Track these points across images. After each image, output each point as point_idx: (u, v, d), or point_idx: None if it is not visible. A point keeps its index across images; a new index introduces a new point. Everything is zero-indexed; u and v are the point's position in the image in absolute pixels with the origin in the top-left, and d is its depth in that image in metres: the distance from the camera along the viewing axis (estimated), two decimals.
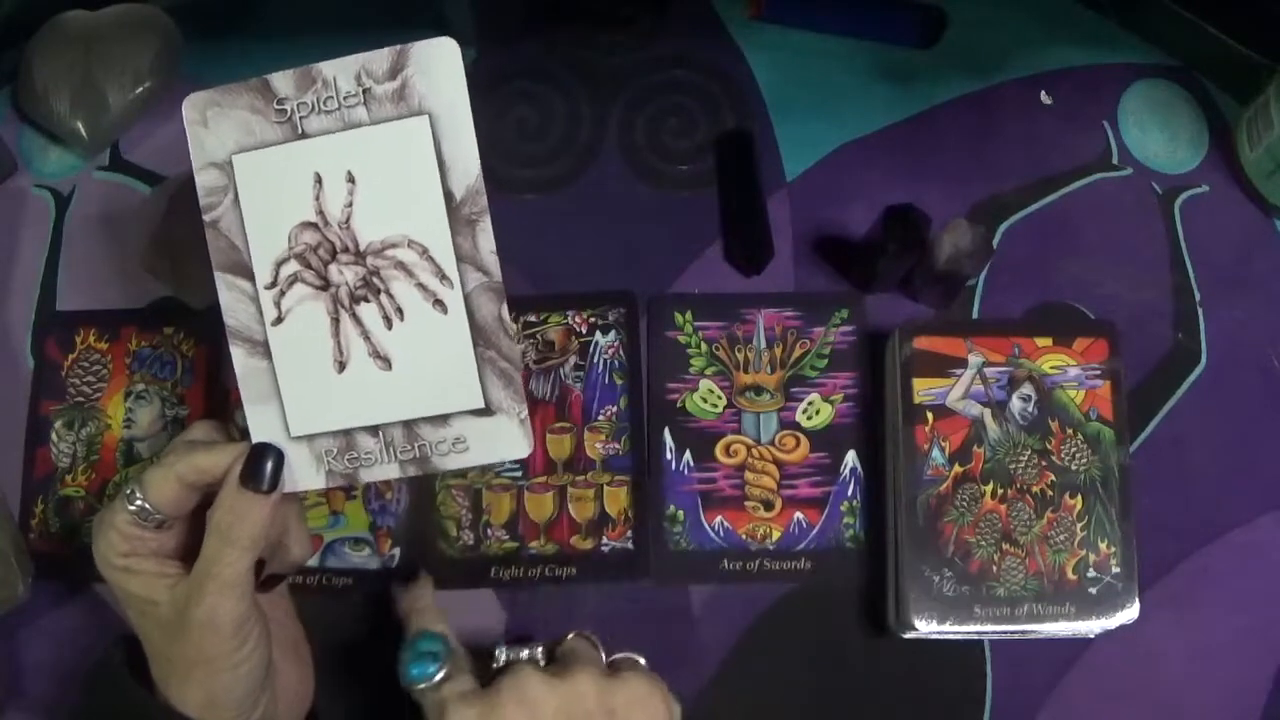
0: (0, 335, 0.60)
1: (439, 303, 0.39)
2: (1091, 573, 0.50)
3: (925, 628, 0.50)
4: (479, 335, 0.39)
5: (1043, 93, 0.63)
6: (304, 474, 0.40)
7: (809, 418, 0.57)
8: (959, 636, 0.51)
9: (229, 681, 0.39)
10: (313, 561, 0.55)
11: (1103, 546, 0.50)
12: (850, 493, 0.56)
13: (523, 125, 0.62)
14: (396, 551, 0.55)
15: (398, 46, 0.38)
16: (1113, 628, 0.50)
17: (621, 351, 0.57)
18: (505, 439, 0.40)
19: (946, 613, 0.50)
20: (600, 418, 0.56)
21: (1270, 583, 0.55)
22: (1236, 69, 0.61)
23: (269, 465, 0.39)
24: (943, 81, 0.62)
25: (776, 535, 0.55)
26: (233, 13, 0.66)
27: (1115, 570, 0.50)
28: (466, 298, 0.39)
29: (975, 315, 0.58)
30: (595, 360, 0.57)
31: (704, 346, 0.57)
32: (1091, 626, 0.50)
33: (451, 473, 0.54)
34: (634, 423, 0.56)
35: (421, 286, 0.39)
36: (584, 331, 0.58)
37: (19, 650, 0.55)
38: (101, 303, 0.60)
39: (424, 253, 0.39)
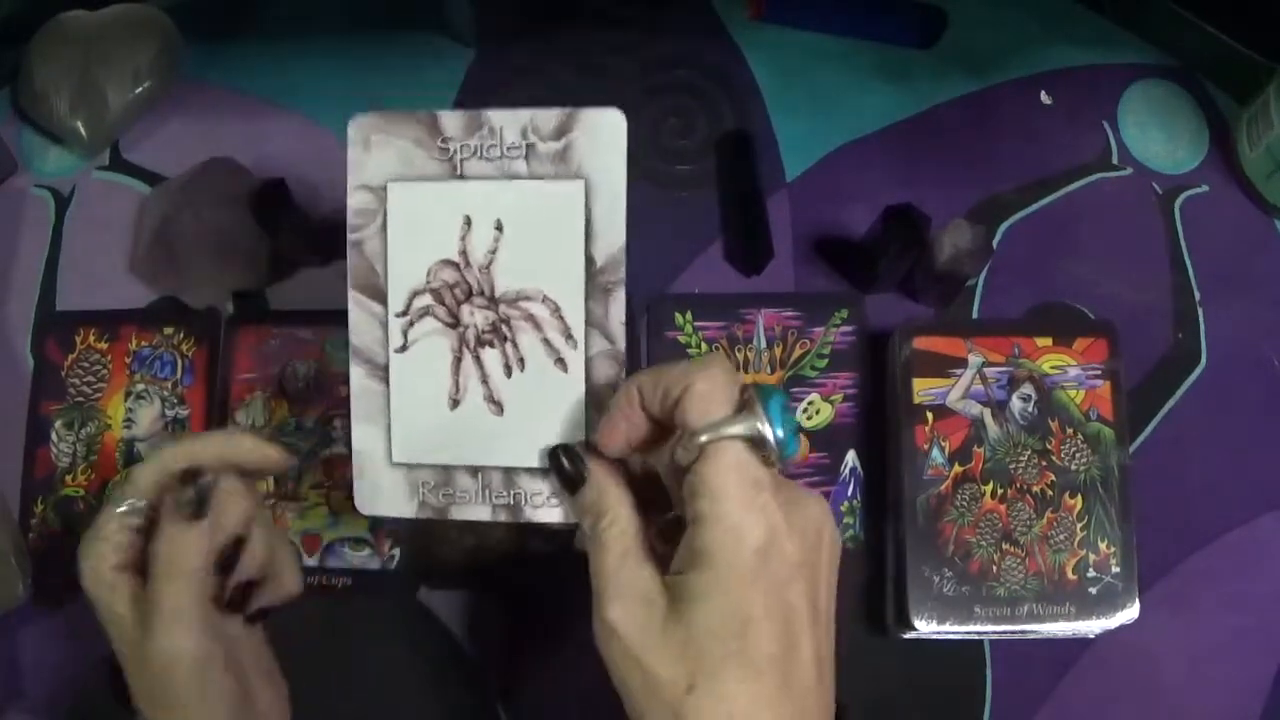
0: (0, 335, 0.60)
1: (561, 361, 0.39)
2: (1091, 573, 0.50)
3: (925, 628, 0.50)
4: (593, 399, 0.39)
5: (1043, 93, 0.63)
6: (396, 501, 0.40)
7: (809, 418, 0.56)
8: (959, 636, 0.51)
9: (202, 715, 0.38)
10: (313, 562, 0.55)
11: (1103, 546, 0.50)
12: (850, 493, 0.55)
13: None
14: (396, 551, 0.55)
15: (568, 109, 0.39)
16: (1113, 628, 0.50)
17: None
18: None
19: (946, 613, 0.50)
20: None
21: (1270, 583, 0.55)
22: (1236, 69, 0.61)
23: (193, 493, 0.38)
24: (942, 81, 0.62)
25: None
26: (233, 13, 0.66)
27: (1115, 570, 0.50)
28: (588, 361, 0.39)
29: (975, 315, 0.58)
30: None
31: (704, 346, 0.57)
32: (1091, 626, 0.50)
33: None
34: None
35: (546, 342, 0.39)
36: None
37: (19, 650, 0.55)
38: (101, 303, 0.60)
39: (555, 310, 0.39)
